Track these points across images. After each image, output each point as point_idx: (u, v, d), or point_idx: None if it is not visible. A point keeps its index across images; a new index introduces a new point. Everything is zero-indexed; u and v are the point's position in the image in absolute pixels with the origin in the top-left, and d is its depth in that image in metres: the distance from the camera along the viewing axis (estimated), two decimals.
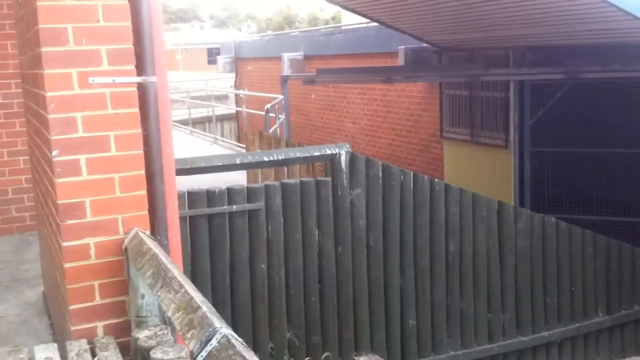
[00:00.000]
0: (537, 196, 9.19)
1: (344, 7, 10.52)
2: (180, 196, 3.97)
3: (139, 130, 2.75)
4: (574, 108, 8.78)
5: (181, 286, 2.07)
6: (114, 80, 2.67)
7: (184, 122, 17.51)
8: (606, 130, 8.72)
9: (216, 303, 4.13)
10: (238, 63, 19.50)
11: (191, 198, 4.19)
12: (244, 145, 10.94)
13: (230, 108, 20.20)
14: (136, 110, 2.74)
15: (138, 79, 2.73)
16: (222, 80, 23.47)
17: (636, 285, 6.18)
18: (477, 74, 9.10)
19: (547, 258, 5.66)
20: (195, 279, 4.08)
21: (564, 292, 5.76)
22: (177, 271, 2.23)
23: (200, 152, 7.34)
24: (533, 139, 9.22)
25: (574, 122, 8.89)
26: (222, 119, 20.16)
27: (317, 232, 4.58)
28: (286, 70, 14.69)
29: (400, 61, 10.85)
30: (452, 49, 10.33)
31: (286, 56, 15.13)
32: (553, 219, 5.72)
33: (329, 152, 4.76)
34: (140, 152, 2.75)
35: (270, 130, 10.36)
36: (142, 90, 2.75)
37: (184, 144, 12.90)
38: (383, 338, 4.95)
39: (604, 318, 5.98)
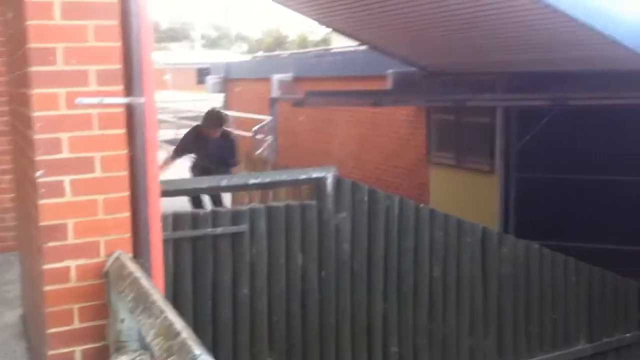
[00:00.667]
0: (522, 222, 9.24)
1: (334, 30, 10.61)
2: (165, 218, 3.95)
3: (125, 151, 2.74)
4: (561, 134, 8.86)
5: (162, 311, 2.05)
6: (101, 101, 2.67)
7: (172, 142, 17.48)
8: (592, 157, 8.81)
9: (197, 327, 4.10)
10: (227, 83, 19.55)
11: (176, 220, 4.18)
12: None
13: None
14: (123, 131, 2.72)
15: (126, 100, 2.72)
16: (211, 101, 23.53)
17: (618, 314, 6.20)
18: (464, 99, 9.18)
19: (530, 284, 5.67)
20: (177, 303, 4.05)
21: (546, 319, 5.77)
22: (158, 295, 2.21)
23: (187, 173, 7.41)
24: (519, 165, 9.29)
25: (560, 149, 8.98)
26: None
27: (301, 256, 4.58)
28: (275, 92, 14.74)
29: (388, 84, 10.93)
30: (440, 73, 10.43)
31: (275, 77, 15.19)
32: (537, 245, 5.75)
33: (315, 175, 4.78)
34: (126, 173, 2.74)
35: (258, 152, 10.38)
36: (130, 111, 2.74)
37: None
38: None
39: (586, 346, 5.99)
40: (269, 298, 4.47)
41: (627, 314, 6.32)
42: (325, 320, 4.68)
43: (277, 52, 27.45)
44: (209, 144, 7.38)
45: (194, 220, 4.22)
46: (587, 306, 6.04)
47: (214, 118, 7.60)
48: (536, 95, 8.48)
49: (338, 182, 4.78)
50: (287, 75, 15.19)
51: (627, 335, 6.31)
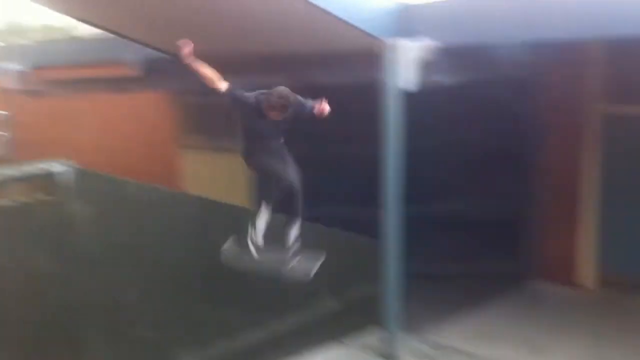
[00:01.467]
0: None
1: (73, 18, 10.03)
2: None
3: None
4: None
5: None
6: None
7: None
8: (336, 132, 9.46)
9: None
10: None
11: None
12: None
13: None
14: None
15: None
16: None
17: (357, 270, 6.81)
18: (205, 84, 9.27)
19: None
20: None
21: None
22: None
23: None
24: None
25: (306, 125, 9.50)
26: None
27: (36, 255, 4.36)
28: (10, 83, 13.56)
29: (137, 71, 10.67)
30: None
31: (9, 67, 13.96)
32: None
33: (48, 169, 4.56)
34: None
35: None
36: None
37: None
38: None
39: (332, 302, 6.50)
40: None
41: (367, 269, 6.96)
42: (66, 316, 4.52)
43: (12, 42, 25.10)
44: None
45: None
46: (330, 265, 6.54)
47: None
48: (273, 77, 8.81)
49: (77, 173, 4.62)
50: (24, 66, 14.04)
51: (371, 288, 6.95)
